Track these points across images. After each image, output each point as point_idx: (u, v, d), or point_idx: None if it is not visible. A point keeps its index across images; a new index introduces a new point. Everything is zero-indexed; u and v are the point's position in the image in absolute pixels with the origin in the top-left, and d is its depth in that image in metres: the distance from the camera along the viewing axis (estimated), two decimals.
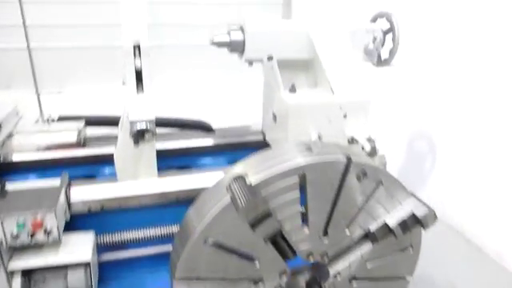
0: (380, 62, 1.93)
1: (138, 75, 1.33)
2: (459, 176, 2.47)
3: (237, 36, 1.69)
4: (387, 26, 1.88)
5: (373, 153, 1.75)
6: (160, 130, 2.23)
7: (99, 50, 2.49)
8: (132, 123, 1.30)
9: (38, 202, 1.31)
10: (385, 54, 1.91)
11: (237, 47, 1.70)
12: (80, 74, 2.52)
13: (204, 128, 2.35)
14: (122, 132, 1.43)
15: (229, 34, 1.69)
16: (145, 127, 1.30)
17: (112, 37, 2.50)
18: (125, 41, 1.31)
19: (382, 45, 1.87)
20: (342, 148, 1.31)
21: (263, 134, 2.10)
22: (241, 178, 1.16)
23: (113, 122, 2.17)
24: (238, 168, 1.23)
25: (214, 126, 2.47)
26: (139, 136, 1.29)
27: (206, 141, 2.07)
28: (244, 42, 1.69)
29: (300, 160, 1.18)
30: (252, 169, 1.20)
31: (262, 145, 2.10)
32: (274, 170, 1.16)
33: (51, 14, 2.36)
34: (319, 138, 1.24)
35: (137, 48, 1.31)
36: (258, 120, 2.54)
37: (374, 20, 1.95)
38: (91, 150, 1.88)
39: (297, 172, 1.17)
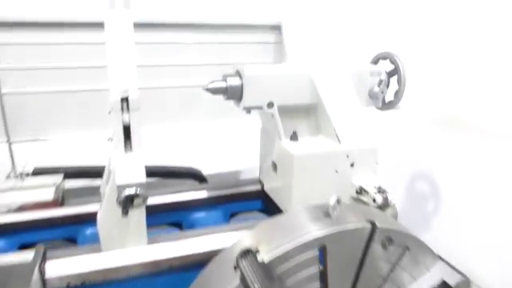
0: (385, 105, 1.80)
1: (126, 131, 1.16)
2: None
3: (234, 82, 1.55)
4: (391, 67, 1.77)
5: (385, 205, 1.60)
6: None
7: (80, 93, 2.31)
8: (119, 188, 1.12)
9: (5, 284, 1.10)
10: (389, 97, 1.79)
11: (234, 94, 1.56)
12: (58, 119, 2.32)
13: (195, 176, 2.17)
14: (107, 193, 1.24)
15: (225, 79, 1.55)
16: (134, 192, 1.12)
17: (94, 79, 2.33)
18: (112, 93, 1.15)
19: (387, 87, 1.75)
20: (363, 211, 1.16)
21: (261, 182, 1.93)
22: (251, 254, 0.98)
23: (95, 173, 1.97)
24: (247, 240, 1.05)
25: (207, 172, 2.30)
26: (128, 203, 1.11)
27: (199, 193, 1.88)
28: (242, 87, 1.55)
29: (319, 231, 1.01)
30: (263, 241, 1.03)
31: (261, 195, 1.93)
32: (290, 244, 0.99)
33: (27, 55, 2.18)
34: (338, 202, 1.08)
35: (125, 101, 1.14)
36: (252, 165, 2.39)
37: (375, 62, 1.85)
38: (70, 209, 1.67)
39: (316, 244, 1.01)
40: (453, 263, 2.37)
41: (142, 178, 1.13)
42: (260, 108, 1.58)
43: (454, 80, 2.41)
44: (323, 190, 1.62)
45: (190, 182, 2.21)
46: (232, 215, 1.96)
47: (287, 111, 1.66)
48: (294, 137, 1.68)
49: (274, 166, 1.75)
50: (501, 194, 2.21)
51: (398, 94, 1.75)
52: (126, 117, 1.14)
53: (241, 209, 1.94)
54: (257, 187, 1.94)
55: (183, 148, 2.36)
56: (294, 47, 2.25)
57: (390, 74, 1.77)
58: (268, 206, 1.88)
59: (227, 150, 2.48)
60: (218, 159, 2.42)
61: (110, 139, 1.18)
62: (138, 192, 1.12)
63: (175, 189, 1.87)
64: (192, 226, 1.85)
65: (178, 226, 1.87)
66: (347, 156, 1.63)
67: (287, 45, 2.41)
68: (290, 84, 1.60)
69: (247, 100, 1.55)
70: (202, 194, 1.88)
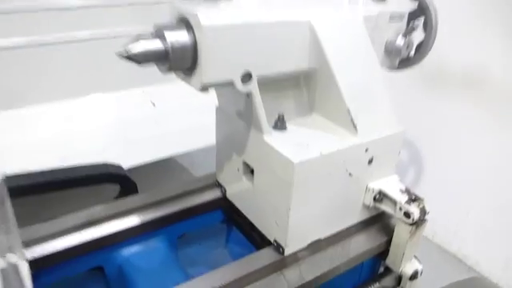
0: (403, 63, 1.21)
1: None
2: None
3: (180, 38, 0.83)
4: (411, 5, 1.16)
5: (422, 220, 1.07)
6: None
7: None
8: None
9: None
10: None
11: (180, 61, 0.85)
12: None
13: (114, 178, 1.45)
14: None
15: (161, 35, 0.83)
16: None
17: None
18: None
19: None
20: None
21: (221, 187, 1.29)
22: None
23: None
24: None
25: (129, 164, 1.57)
26: None
27: (122, 214, 1.19)
28: (195, 49, 0.84)
29: None
30: None
31: (224, 206, 1.29)
32: None
33: None
34: None
35: None
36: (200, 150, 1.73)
37: None
38: None
39: None
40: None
41: None
42: (229, 84, 0.89)
43: None
44: (329, 203, 1.04)
45: (107, 191, 1.49)
46: (182, 236, 1.31)
47: (271, 85, 1.00)
48: (280, 123, 1.03)
49: (249, 171, 1.11)
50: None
51: (424, 46, 1.17)
52: None
53: (192, 226, 1.30)
54: (216, 194, 1.29)
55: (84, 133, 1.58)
56: None
57: (412, 17, 1.16)
58: (233, 216, 1.27)
59: (157, 131, 1.75)
60: (145, 145, 1.70)
61: None
62: None
63: (81, 214, 1.16)
64: (120, 269, 1.18)
65: (100, 270, 1.19)
66: (366, 150, 1.04)
67: None
68: (279, 39, 0.92)
69: (207, 71, 0.85)
70: (127, 215, 1.19)
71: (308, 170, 0.94)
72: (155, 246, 1.24)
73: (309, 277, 0.98)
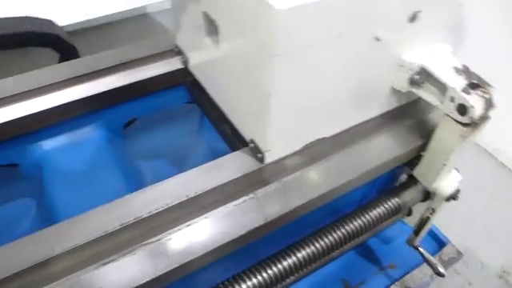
0: None
1: None
2: None
3: None
4: None
5: (483, 117, 0.67)
6: None
7: None
8: None
9: None
10: None
11: None
12: None
13: (44, 40, 1.03)
14: None
15: None
16: None
17: None
18: None
19: None
20: None
21: (182, 55, 0.88)
22: None
23: None
24: None
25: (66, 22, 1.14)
26: None
27: (49, 98, 0.82)
28: None
29: None
30: None
31: (188, 82, 0.90)
32: None
33: None
34: None
35: None
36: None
37: None
38: None
39: None
40: None
41: None
42: None
43: None
44: (336, 83, 0.65)
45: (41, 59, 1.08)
46: (130, 123, 0.95)
47: None
48: None
49: (213, 29, 0.68)
50: None
51: None
52: None
53: (144, 109, 0.93)
54: (176, 65, 0.88)
55: None
56: None
57: None
58: (200, 97, 0.88)
59: None
60: None
61: None
62: None
63: None
64: (40, 170, 0.84)
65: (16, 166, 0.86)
66: None
67: None
68: None
69: None
70: (52, 91, 0.81)
71: (303, 25, 0.52)
72: (90, 135, 0.88)
73: (297, 202, 0.63)
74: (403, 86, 0.73)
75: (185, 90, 0.94)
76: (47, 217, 0.83)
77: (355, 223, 0.78)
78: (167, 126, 0.97)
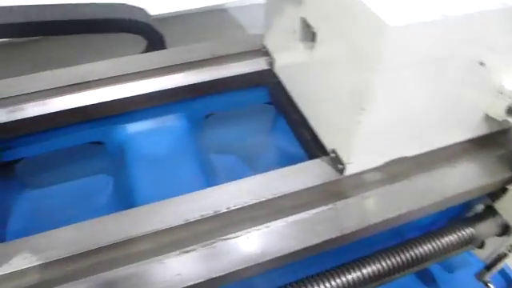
0: None
1: None
2: None
3: None
4: None
5: None
6: None
7: None
8: None
9: None
10: None
11: None
12: None
13: (134, 28, 1.08)
14: None
15: None
16: None
17: None
18: None
19: None
20: None
21: (269, 56, 0.89)
22: None
23: None
24: None
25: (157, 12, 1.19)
26: None
27: (136, 84, 0.86)
28: None
29: None
30: None
31: (271, 83, 0.91)
32: None
33: None
34: None
35: None
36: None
37: None
38: None
39: None
40: None
41: None
42: None
43: None
44: (430, 104, 0.63)
45: (127, 46, 1.13)
46: (209, 116, 0.98)
47: None
48: None
49: (310, 35, 0.69)
50: None
51: None
52: None
53: (225, 104, 0.95)
54: (258, 64, 0.90)
55: None
56: None
57: None
58: (281, 99, 0.89)
59: None
60: None
61: None
62: None
63: (79, 70, 0.85)
64: (122, 149, 0.89)
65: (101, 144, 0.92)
66: None
67: None
68: None
69: None
70: (140, 78, 0.86)
71: (411, 42, 0.51)
72: (173, 123, 0.92)
73: (375, 219, 0.62)
74: (499, 113, 0.69)
75: (265, 90, 0.95)
76: (123, 195, 0.88)
77: (423, 248, 0.76)
78: (243, 124, 0.99)
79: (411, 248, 0.75)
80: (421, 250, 0.75)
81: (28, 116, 0.80)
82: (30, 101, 0.81)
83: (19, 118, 0.80)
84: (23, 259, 0.57)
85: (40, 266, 0.56)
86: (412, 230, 0.85)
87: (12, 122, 0.79)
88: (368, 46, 0.52)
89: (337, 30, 0.59)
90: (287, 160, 0.89)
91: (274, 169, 0.68)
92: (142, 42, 1.19)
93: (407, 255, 0.74)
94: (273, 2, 0.80)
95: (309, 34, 0.69)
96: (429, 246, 0.76)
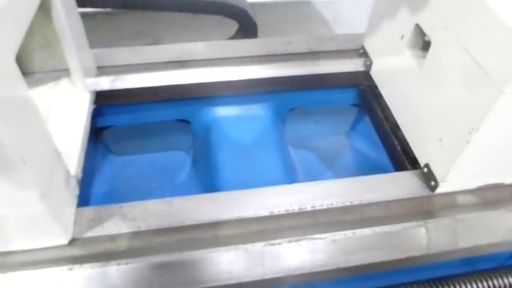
0: None
1: None
2: None
3: None
4: None
5: None
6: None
7: None
8: None
9: None
10: None
11: None
12: None
13: (232, 13, 1.10)
14: None
15: None
16: None
17: None
18: None
19: None
20: None
21: (366, 57, 0.87)
22: None
23: None
24: None
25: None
26: None
27: (227, 70, 0.88)
28: None
29: None
30: None
31: (362, 85, 0.89)
32: None
33: None
34: None
35: None
36: None
37: None
38: None
39: None
40: None
41: None
42: None
43: None
44: None
45: (219, 29, 1.15)
46: (293, 109, 0.98)
47: None
48: None
49: (421, 42, 0.66)
50: None
51: None
52: None
53: (312, 100, 0.94)
54: (354, 63, 0.88)
55: None
56: None
57: None
58: (371, 103, 0.87)
59: None
60: None
61: None
62: None
63: (174, 49, 0.87)
64: (207, 130, 0.91)
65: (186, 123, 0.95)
66: None
67: None
68: None
69: None
70: (231, 64, 0.87)
71: None
72: (258, 112, 0.92)
73: (465, 243, 0.59)
74: None
75: (354, 91, 0.93)
76: (203, 175, 0.90)
77: (498, 281, 0.71)
78: (326, 122, 0.98)
79: (486, 279, 0.71)
80: (496, 282, 0.71)
81: (126, 87, 0.84)
82: (131, 72, 0.85)
83: (119, 87, 0.84)
84: (114, 225, 0.60)
85: (129, 234, 0.59)
86: (487, 261, 0.81)
87: (111, 90, 0.84)
88: (499, 68, 0.49)
89: (460, 43, 0.56)
90: (366, 165, 0.87)
91: (351, 172, 0.67)
92: (229, 26, 1.20)
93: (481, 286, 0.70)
94: (383, 3, 0.77)
95: (420, 42, 0.66)
96: (505, 280, 0.72)
